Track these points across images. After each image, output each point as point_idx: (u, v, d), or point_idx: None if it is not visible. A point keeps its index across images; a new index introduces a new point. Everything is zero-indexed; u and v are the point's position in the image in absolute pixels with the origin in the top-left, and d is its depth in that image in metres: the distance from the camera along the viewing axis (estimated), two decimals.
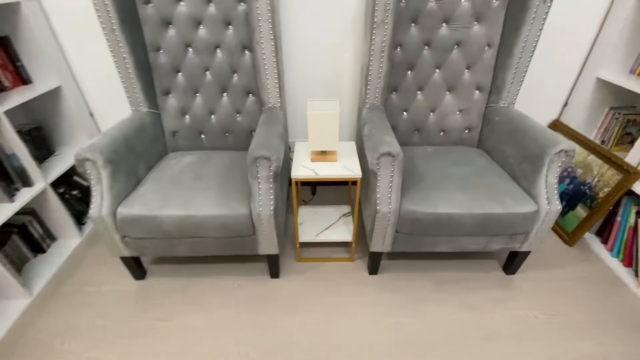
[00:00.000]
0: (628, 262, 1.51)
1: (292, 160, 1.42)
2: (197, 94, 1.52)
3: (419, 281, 1.47)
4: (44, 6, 1.51)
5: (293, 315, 1.32)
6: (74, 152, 1.31)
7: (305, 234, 1.51)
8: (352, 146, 1.48)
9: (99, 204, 1.19)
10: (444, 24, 1.42)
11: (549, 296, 1.41)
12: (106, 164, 1.17)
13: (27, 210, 1.56)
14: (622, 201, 1.52)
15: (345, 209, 1.68)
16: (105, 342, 1.24)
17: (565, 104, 1.83)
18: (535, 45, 1.36)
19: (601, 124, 1.74)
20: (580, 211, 1.62)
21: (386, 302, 1.38)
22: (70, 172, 1.76)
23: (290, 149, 1.89)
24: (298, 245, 1.50)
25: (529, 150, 1.27)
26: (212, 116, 1.56)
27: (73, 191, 1.69)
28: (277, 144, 1.21)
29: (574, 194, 1.66)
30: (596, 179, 1.56)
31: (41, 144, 1.64)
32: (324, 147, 1.30)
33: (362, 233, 1.72)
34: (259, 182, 1.18)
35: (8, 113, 1.52)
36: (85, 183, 1.80)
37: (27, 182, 1.43)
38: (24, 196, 1.39)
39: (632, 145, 1.54)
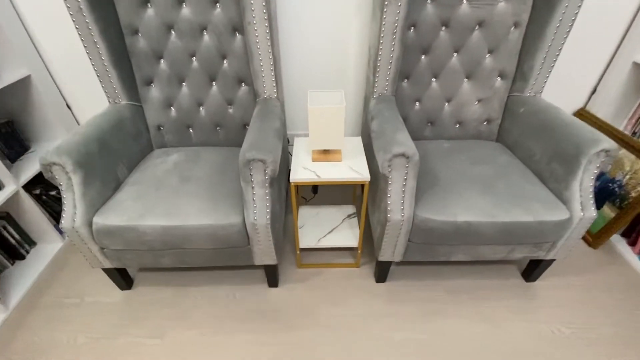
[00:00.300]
0: None
1: (291, 155, 1.26)
2: (183, 83, 1.35)
3: (430, 290, 1.35)
4: None
5: (294, 331, 1.20)
6: (51, 147, 1.16)
7: (306, 239, 1.37)
8: (357, 142, 1.32)
9: (72, 214, 1.05)
10: (464, 1, 1.23)
11: (573, 306, 1.29)
12: (76, 167, 1.02)
13: (1, 215, 1.42)
14: None
15: (350, 209, 1.53)
16: None
17: (594, 91, 1.65)
18: (571, 26, 1.18)
19: (634, 113, 1.57)
20: (608, 211, 1.47)
21: (395, 314, 1.26)
22: None
23: (289, 142, 1.73)
24: (298, 252, 1.36)
25: (561, 148, 1.11)
26: (201, 108, 1.39)
27: (51, 191, 1.55)
28: (273, 143, 1.05)
29: (600, 192, 1.51)
30: (628, 176, 1.41)
31: (13, 140, 1.48)
32: (327, 145, 1.14)
33: (368, 236, 1.58)
34: (253, 188, 1.03)
35: None
36: None
37: None
38: None
39: None
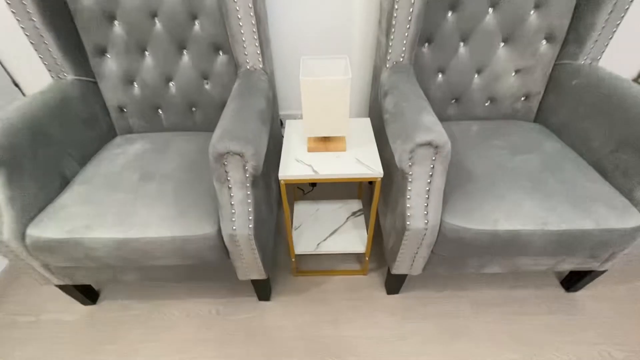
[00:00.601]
0: None
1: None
2: (146, 53, 1.07)
3: (452, 303, 1.12)
4: None
5: (287, 358, 0.99)
6: None
7: (303, 243, 1.14)
8: (366, 125, 1.06)
9: None
10: None
11: (624, 323, 1.07)
12: None
13: None
14: None
15: (355, 205, 1.29)
16: None
17: None
18: None
19: None
20: None
21: (411, 335, 1.04)
22: None
23: (282, 123, 1.46)
24: (294, 259, 1.13)
25: (632, 132, 0.84)
26: (170, 84, 1.12)
27: None
28: (255, 129, 0.79)
29: None
30: None
31: None
32: (327, 131, 0.88)
33: (378, 234, 1.35)
34: (230, 189, 0.79)
35: None
36: None
37: None
38: None
39: None
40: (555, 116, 1.11)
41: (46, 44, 0.97)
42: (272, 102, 1.02)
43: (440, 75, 1.13)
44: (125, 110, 1.15)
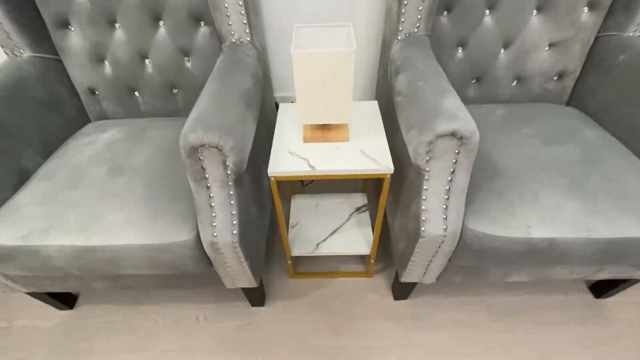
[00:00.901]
0: None
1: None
2: (116, 25, 0.91)
3: (468, 310, 1.01)
4: None
5: None
6: None
7: (301, 244, 1.01)
8: (372, 110, 0.90)
9: None
10: None
11: None
12: None
13: None
14: None
15: (359, 199, 1.15)
16: None
17: None
18: None
19: None
20: None
21: (421, 347, 0.93)
22: None
23: (277, 106, 1.31)
24: (290, 262, 1.01)
25: None
26: (147, 61, 0.97)
27: None
28: (237, 115, 0.65)
29: None
30: None
31: None
32: (326, 117, 0.73)
33: (385, 234, 1.22)
34: (209, 188, 0.65)
35: None
36: None
37: None
38: None
39: None
40: (594, 98, 0.95)
41: None
42: (262, 81, 0.87)
43: (460, 50, 0.96)
44: (96, 92, 1.01)
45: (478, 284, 1.06)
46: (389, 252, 1.15)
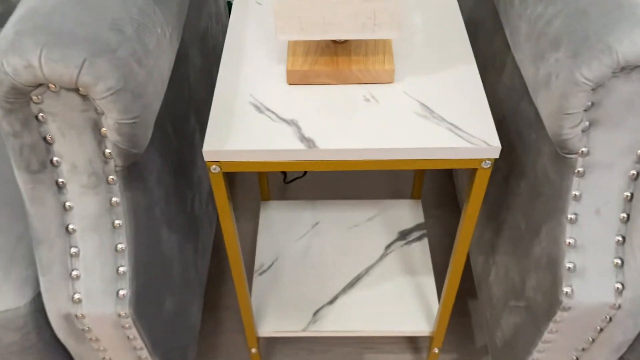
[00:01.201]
0: None
1: None
2: None
3: None
4: None
5: None
6: None
7: (279, 312, 0.57)
8: (445, 11, 0.43)
9: None
10: None
11: None
12: None
13: None
14: None
15: (406, 214, 0.64)
16: None
17: None
18: None
19: None
20: None
21: None
22: None
23: (230, 5, 0.75)
24: (255, 351, 0.57)
25: None
26: None
27: None
28: (130, 15, 0.28)
29: None
30: None
31: None
32: (343, 23, 0.35)
33: (463, 290, 0.74)
34: (62, 191, 0.28)
35: None
36: None
37: None
38: None
39: None
40: None
41: None
42: None
43: None
44: None
45: None
46: (470, 332, 0.66)
